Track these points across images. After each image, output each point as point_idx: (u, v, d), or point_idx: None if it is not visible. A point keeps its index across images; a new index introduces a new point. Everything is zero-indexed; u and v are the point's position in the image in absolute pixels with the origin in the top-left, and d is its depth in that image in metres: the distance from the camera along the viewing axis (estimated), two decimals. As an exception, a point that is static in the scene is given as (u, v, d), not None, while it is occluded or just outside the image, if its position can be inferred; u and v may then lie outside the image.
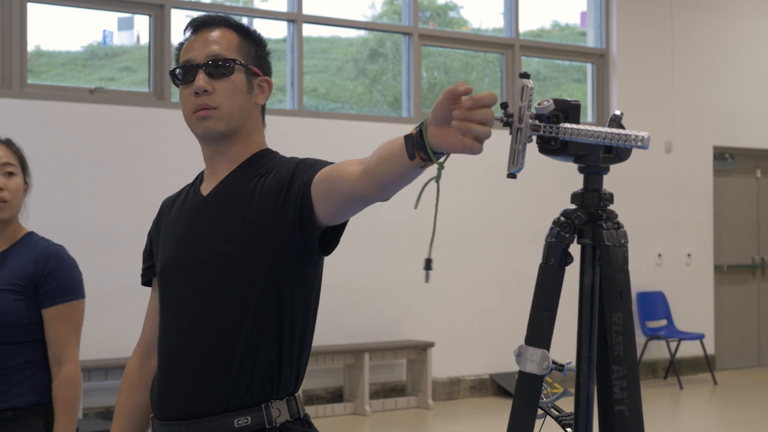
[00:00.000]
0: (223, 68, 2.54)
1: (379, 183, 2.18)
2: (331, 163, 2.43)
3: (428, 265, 2.06)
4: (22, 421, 3.43)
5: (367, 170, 2.19)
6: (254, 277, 2.45)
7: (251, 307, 2.45)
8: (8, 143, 3.60)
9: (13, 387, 3.43)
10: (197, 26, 2.61)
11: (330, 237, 2.46)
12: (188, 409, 2.48)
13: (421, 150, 2.04)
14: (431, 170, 2.08)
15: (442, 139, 1.99)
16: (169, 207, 2.71)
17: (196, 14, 2.69)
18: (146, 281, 2.76)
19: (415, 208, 2.16)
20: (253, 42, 2.62)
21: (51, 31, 9.17)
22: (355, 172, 2.23)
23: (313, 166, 2.43)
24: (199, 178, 2.67)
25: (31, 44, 8.72)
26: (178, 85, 2.60)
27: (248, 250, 2.45)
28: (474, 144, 1.93)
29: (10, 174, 3.52)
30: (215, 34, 2.58)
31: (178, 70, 2.58)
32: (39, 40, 9.10)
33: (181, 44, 2.63)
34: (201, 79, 2.53)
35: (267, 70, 2.64)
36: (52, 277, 3.46)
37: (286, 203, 2.42)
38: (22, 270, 3.46)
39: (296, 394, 2.53)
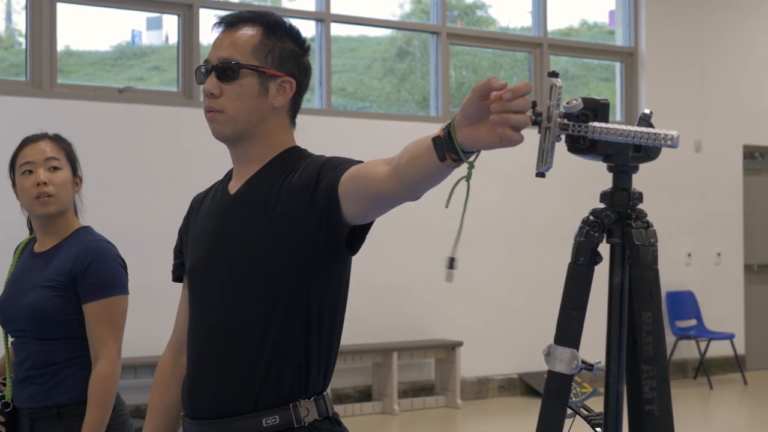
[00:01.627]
0: (230, 72, 2.51)
1: (409, 183, 2.17)
2: (358, 161, 2.42)
3: (451, 264, 2.07)
4: (67, 418, 3.46)
5: (396, 170, 2.18)
6: (282, 275, 2.44)
7: (279, 306, 2.44)
8: (56, 138, 3.65)
9: (57, 384, 3.47)
10: (221, 25, 2.60)
11: (357, 236, 2.45)
12: (217, 408, 2.49)
13: (451, 151, 2.04)
14: (461, 168, 2.07)
15: (475, 138, 1.98)
16: (198, 204, 2.71)
17: (224, 14, 2.67)
18: (177, 278, 2.77)
19: (446, 207, 2.15)
20: (282, 40, 2.57)
21: (80, 31, 9.22)
22: (384, 172, 2.22)
23: (340, 165, 2.41)
24: (228, 176, 2.66)
25: (61, 44, 8.77)
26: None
27: (276, 248, 2.45)
28: (514, 134, 1.93)
29: (56, 168, 3.55)
30: (236, 34, 2.55)
31: (200, 69, 2.59)
32: (68, 40, 9.16)
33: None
34: (209, 82, 2.53)
35: (293, 70, 2.57)
36: (90, 273, 3.46)
37: (313, 202, 2.41)
38: (63, 266, 3.49)
39: (325, 393, 2.52)
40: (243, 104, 2.52)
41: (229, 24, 2.58)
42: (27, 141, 3.61)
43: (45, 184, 3.51)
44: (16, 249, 3.72)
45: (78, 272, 3.46)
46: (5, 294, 3.61)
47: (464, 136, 2.00)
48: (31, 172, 3.54)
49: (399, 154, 2.18)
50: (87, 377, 3.45)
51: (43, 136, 3.62)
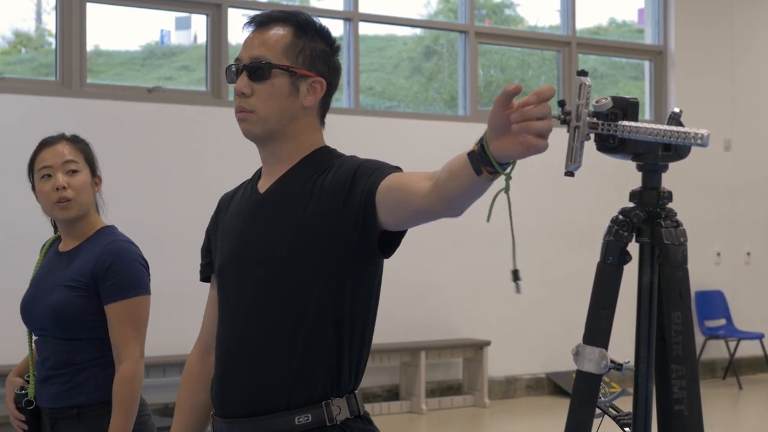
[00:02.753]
0: (262, 72, 2.51)
1: (449, 199, 2.17)
2: (394, 167, 2.42)
3: (516, 276, 2.07)
4: (88, 419, 3.45)
5: (437, 187, 2.17)
6: (313, 275, 2.44)
7: (310, 305, 2.44)
8: (73, 140, 3.61)
9: (77, 385, 3.46)
10: (252, 24, 2.61)
11: (390, 240, 2.44)
12: (247, 406, 2.49)
13: (486, 164, 2.03)
14: (499, 181, 2.07)
15: (505, 149, 1.98)
16: (227, 203, 2.71)
17: (253, 13, 2.67)
18: (205, 277, 2.77)
19: (488, 221, 2.15)
20: (312, 40, 2.56)
21: (110, 31, 9.27)
22: (426, 188, 2.21)
23: (376, 170, 2.41)
24: (257, 175, 2.66)
25: (90, 44, 8.81)
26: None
27: (307, 248, 2.44)
28: (538, 141, 1.92)
29: (74, 171, 3.52)
30: (267, 33, 2.55)
31: (231, 68, 2.59)
32: (98, 40, 9.20)
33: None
34: (241, 82, 2.53)
35: (324, 70, 2.57)
36: (111, 273, 3.44)
37: (347, 204, 2.41)
38: (85, 266, 3.47)
39: (356, 392, 2.53)
40: (274, 104, 2.52)
41: (260, 24, 2.58)
42: (44, 144, 3.58)
43: (64, 188, 3.49)
44: (42, 247, 3.72)
45: (100, 273, 3.45)
46: (29, 293, 3.61)
47: (495, 148, 2.00)
48: (50, 176, 3.52)
49: (439, 171, 2.18)
50: (108, 378, 3.44)
51: (60, 138, 3.59)
